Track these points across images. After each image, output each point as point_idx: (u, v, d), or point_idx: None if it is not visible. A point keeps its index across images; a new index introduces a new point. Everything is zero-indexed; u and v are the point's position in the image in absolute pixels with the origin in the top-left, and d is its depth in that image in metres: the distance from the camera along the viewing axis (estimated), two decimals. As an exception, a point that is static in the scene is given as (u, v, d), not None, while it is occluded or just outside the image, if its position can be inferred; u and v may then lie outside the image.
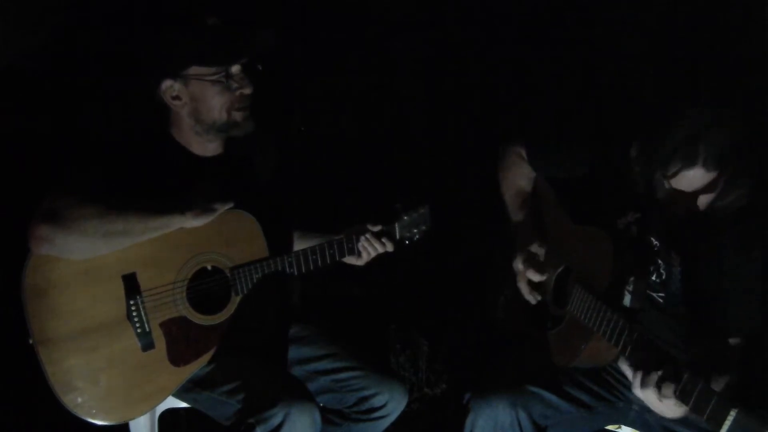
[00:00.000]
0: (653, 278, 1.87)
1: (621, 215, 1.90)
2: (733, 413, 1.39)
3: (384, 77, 2.94)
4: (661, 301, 1.88)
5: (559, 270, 1.96)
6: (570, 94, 2.77)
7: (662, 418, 1.84)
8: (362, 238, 2.01)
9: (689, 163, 1.67)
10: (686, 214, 1.77)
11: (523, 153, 2.12)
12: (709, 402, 1.44)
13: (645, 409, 1.90)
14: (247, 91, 1.86)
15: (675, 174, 1.70)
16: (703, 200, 1.75)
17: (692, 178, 1.69)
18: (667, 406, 1.57)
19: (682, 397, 1.51)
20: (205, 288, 1.88)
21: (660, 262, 1.86)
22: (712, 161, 1.66)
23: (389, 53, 2.89)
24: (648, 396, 1.57)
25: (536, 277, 1.95)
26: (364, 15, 2.83)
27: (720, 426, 1.40)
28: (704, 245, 1.81)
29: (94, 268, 1.77)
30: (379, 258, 2.06)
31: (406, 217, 2.06)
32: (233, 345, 1.90)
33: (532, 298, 1.99)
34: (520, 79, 2.85)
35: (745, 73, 2.14)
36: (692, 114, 1.69)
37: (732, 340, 1.82)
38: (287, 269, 1.94)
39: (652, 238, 1.87)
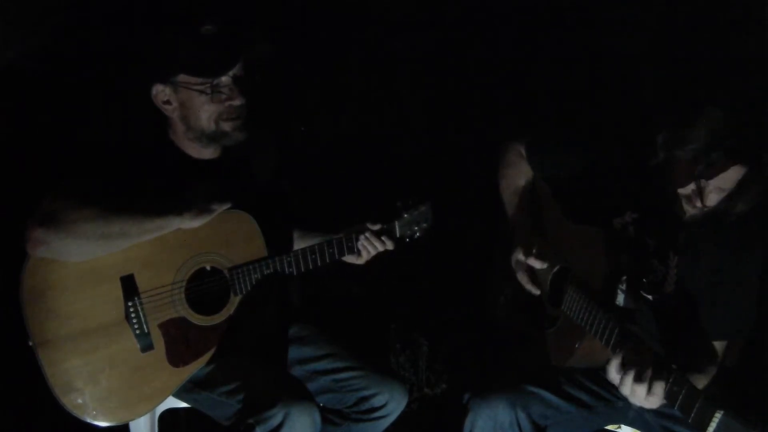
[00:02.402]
0: (648, 279, 1.87)
1: (618, 215, 1.90)
2: (718, 415, 1.39)
3: (384, 77, 2.94)
4: (655, 303, 1.87)
5: (555, 270, 1.96)
6: (570, 93, 2.77)
7: (661, 418, 1.84)
8: (362, 236, 2.01)
9: (733, 156, 1.66)
10: (698, 213, 1.76)
11: (523, 152, 2.12)
12: (695, 403, 1.44)
13: (644, 409, 1.90)
14: (237, 102, 1.84)
15: (715, 167, 1.68)
16: (715, 198, 1.73)
17: (730, 172, 1.68)
18: (651, 401, 1.56)
19: (668, 397, 1.51)
20: (204, 288, 1.88)
21: (656, 262, 1.86)
22: (749, 156, 1.66)
23: (389, 53, 2.89)
24: (627, 389, 1.57)
25: (538, 264, 1.94)
26: (364, 15, 2.83)
27: (705, 428, 1.41)
28: (703, 245, 1.81)
29: (92, 269, 1.77)
30: (380, 257, 2.06)
31: (406, 215, 2.06)
32: (233, 345, 1.90)
33: (533, 289, 1.98)
34: (520, 79, 2.85)
35: (745, 73, 2.14)
36: (718, 112, 1.68)
37: (720, 343, 1.82)
38: (286, 269, 1.94)
39: (648, 239, 1.87)
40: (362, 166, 2.90)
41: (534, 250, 1.95)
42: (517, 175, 2.12)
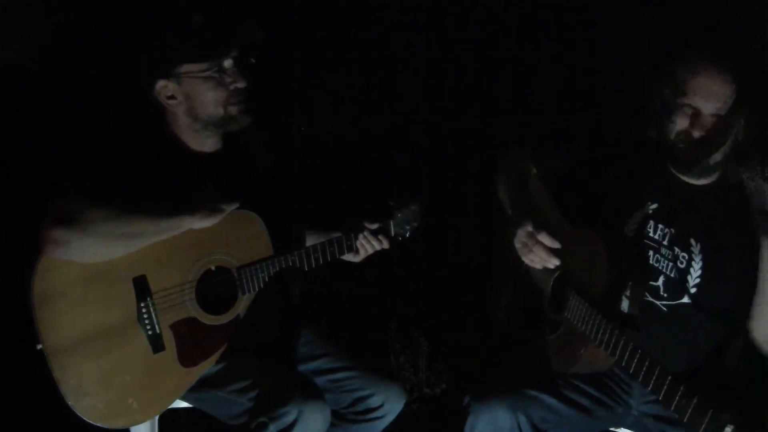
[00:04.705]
0: (671, 273, 1.85)
1: (637, 209, 1.90)
2: (728, 430, 1.38)
3: (383, 76, 2.93)
4: (665, 309, 1.86)
5: (557, 275, 1.95)
6: (570, 93, 2.76)
7: (661, 423, 1.84)
8: (360, 235, 2.04)
9: (711, 59, 1.71)
10: (702, 152, 1.76)
11: (525, 155, 2.12)
12: (704, 418, 1.44)
13: (644, 415, 1.90)
14: (241, 84, 1.85)
15: (696, 74, 1.72)
16: (710, 121, 1.73)
17: (712, 79, 1.70)
18: None
19: (677, 410, 1.50)
20: (213, 288, 1.88)
21: (677, 250, 1.84)
22: (732, 67, 1.69)
23: (389, 53, 2.88)
24: None
25: (548, 241, 1.88)
26: (364, 15, 2.82)
27: None
28: (721, 226, 1.80)
29: (102, 271, 1.76)
30: (375, 254, 2.09)
31: (399, 215, 2.09)
32: (241, 344, 1.91)
33: (553, 261, 1.88)
34: (520, 79, 2.85)
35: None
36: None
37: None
38: (291, 267, 1.95)
39: (668, 228, 1.86)
40: (359, 165, 2.90)
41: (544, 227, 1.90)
42: (518, 176, 2.12)
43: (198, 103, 1.84)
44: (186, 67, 1.81)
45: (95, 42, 2.36)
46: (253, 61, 1.88)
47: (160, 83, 1.83)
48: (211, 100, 1.84)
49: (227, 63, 1.84)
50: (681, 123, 1.77)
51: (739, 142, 1.76)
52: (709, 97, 1.72)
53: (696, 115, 1.74)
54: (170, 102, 1.85)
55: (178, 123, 1.90)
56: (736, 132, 1.75)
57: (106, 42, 2.33)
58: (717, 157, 1.77)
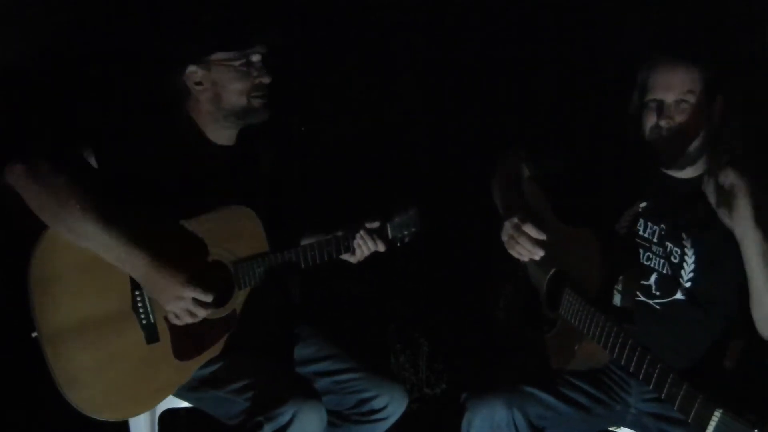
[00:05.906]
0: (663, 270, 1.85)
1: (628, 206, 1.90)
2: (717, 414, 1.39)
3: (383, 77, 2.94)
4: (658, 308, 1.86)
5: (551, 273, 1.95)
6: (565, 93, 2.77)
7: (659, 421, 1.84)
8: (357, 236, 2.04)
9: (666, 51, 1.80)
10: (679, 147, 1.79)
11: (519, 156, 2.12)
12: (694, 404, 1.44)
13: (642, 413, 1.90)
14: (266, 80, 1.92)
15: (654, 68, 1.79)
16: (687, 120, 1.77)
17: (669, 69, 1.77)
18: None
19: (668, 398, 1.51)
20: (209, 282, 1.87)
21: (669, 246, 1.85)
22: (689, 55, 1.76)
23: (389, 53, 2.89)
24: None
25: (533, 232, 1.89)
26: (364, 15, 2.83)
27: (705, 428, 1.41)
28: (712, 219, 1.79)
29: (100, 257, 1.75)
30: (373, 256, 2.10)
31: (397, 218, 2.11)
32: (238, 340, 1.92)
33: (538, 252, 1.89)
34: (520, 80, 2.85)
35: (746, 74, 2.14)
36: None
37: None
38: (287, 264, 1.96)
39: (659, 225, 1.86)
40: (358, 165, 2.91)
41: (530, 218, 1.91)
42: (512, 177, 2.12)
43: (224, 90, 1.90)
44: (217, 55, 1.87)
45: (106, 36, 2.38)
46: (278, 62, 1.93)
47: (191, 68, 1.89)
48: (236, 89, 1.89)
49: (255, 57, 1.90)
50: (650, 119, 1.82)
51: (717, 128, 1.77)
52: (668, 86, 1.78)
53: (660, 106, 1.79)
54: (197, 88, 1.90)
55: (200, 110, 1.94)
56: (711, 118, 1.77)
57: (119, 35, 2.35)
58: (695, 144, 1.80)
